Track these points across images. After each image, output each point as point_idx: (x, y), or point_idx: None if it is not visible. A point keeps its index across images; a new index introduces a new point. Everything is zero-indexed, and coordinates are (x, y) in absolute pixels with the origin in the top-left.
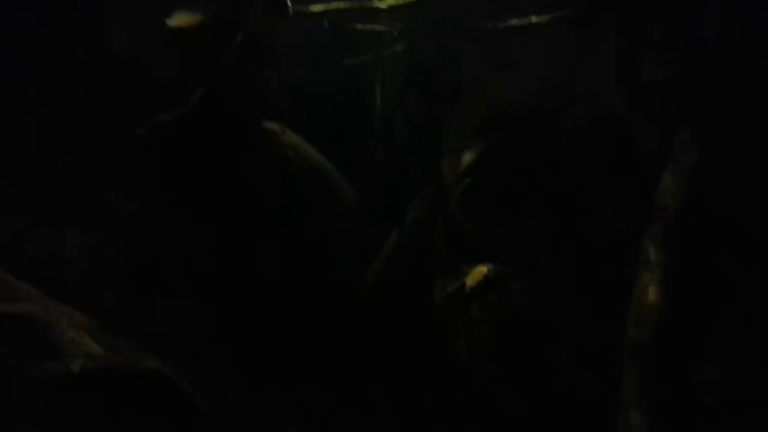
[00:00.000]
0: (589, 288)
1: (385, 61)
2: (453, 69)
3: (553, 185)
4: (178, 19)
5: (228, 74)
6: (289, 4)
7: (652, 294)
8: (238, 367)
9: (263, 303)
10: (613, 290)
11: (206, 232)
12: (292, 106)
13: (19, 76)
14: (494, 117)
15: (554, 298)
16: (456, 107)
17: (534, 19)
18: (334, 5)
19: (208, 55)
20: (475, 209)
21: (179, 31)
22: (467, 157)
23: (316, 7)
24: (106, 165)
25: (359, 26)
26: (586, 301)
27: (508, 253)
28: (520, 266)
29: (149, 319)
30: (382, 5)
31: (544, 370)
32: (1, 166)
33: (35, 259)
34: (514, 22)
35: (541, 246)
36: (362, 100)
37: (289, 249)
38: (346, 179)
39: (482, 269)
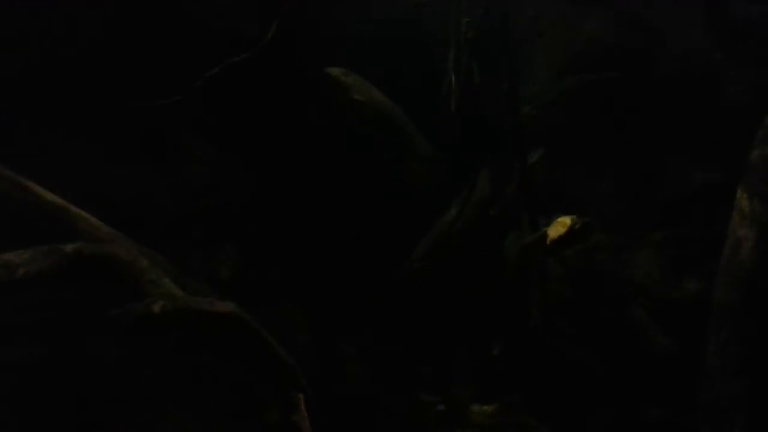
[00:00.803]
0: (673, 242)
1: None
2: (532, 4)
3: (637, 131)
4: None
5: (295, 14)
6: None
7: (745, 250)
8: (305, 317)
9: (334, 251)
10: (699, 245)
11: (274, 178)
12: (361, 47)
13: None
14: (576, 57)
15: (634, 252)
16: (535, 47)
17: None
18: None
19: None
20: (554, 156)
21: None
22: (547, 100)
23: None
24: (177, 107)
25: None
26: (669, 255)
27: (587, 203)
28: (600, 217)
29: (219, 264)
30: None
31: (620, 328)
32: (74, 107)
33: (110, 200)
34: None
35: (623, 196)
36: (436, 42)
37: (359, 200)
38: (417, 127)
39: (565, 220)
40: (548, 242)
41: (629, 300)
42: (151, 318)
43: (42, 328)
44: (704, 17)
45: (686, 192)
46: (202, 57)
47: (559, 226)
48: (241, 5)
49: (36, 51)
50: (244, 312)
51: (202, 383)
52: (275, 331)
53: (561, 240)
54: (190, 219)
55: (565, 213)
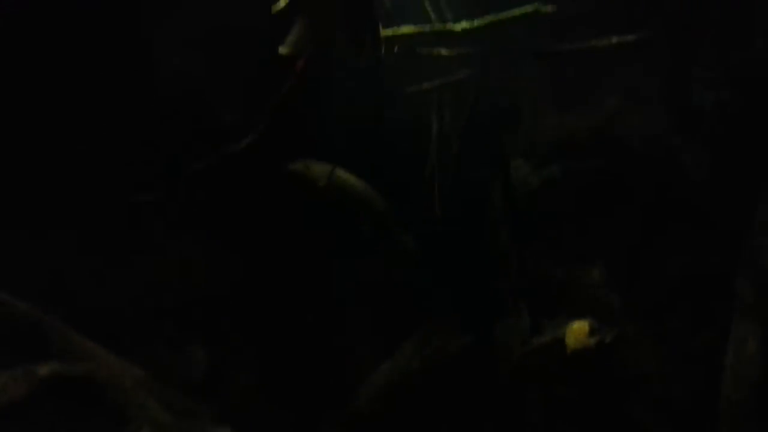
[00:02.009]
0: (672, 333)
1: (450, 88)
2: (519, 94)
3: (621, 217)
4: (290, 46)
5: (286, 105)
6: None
7: (753, 345)
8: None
9: (307, 348)
10: (699, 336)
11: (250, 273)
12: (351, 134)
13: (68, 110)
14: (557, 144)
15: (631, 344)
16: (521, 133)
17: (595, 42)
18: (405, 29)
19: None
20: (542, 241)
21: (286, 60)
22: (534, 185)
23: (387, 31)
24: (155, 200)
25: (426, 51)
26: (669, 348)
27: (578, 291)
28: (592, 307)
29: (197, 365)
30: (457, 28)
31: (622, 426)
32: (44, 201)
33: (82, 296)
34: (578, 45)
35: (614, 285)
36: (426, 128)
37: (337, 294)
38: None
39: (583, 326)
40: (569, 352)
41: (630, 396)
42: None
43: None
44: (664, 103)
45: (678, 279)
46: (184, 147)
47: (579, 333)
48: (225, 94)
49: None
50: None
51: None
52: None
53: (586, 352)
54: (163, 315)
55: (559, 303)
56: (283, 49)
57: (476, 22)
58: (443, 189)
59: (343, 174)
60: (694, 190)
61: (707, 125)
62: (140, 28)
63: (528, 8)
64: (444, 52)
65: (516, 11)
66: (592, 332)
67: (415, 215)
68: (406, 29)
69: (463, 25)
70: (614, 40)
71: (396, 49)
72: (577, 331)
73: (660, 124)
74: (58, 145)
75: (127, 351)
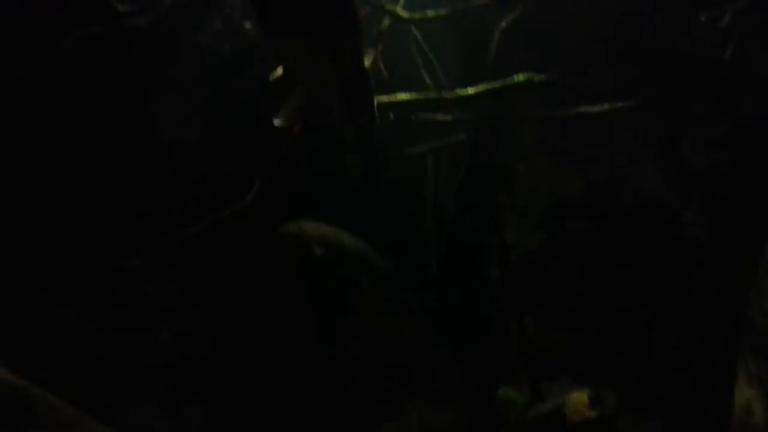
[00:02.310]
0: (677, 402)
1: (445, 151)
2: (513, 160)
3: (620, 280)
4: (286, 118)
5: (283, 167)
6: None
7: (758, 413)
8: None
9: (307, 405)
10: (703, 404)
11: (244, 332)
12: (349, 194)
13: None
14: (554, 206)
15: (637, 415)
16: (518, 193)
17: (586, 108)
18: (400, 96)
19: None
20: (540, 308)
21: (281, 130)
22: (531, 245)
23: (383, 98)
24: (148, 259)
25: (423, 116)
26: (675, 418)
27: (578, 357)
28: (595, 375)
29: (193, 425)
30: (452, 96)
31: None
32: (32, 261)
33: (71, 357)
34: (572, 111)
35: (613, 348)
36: (422, 190)
37: (338, 350)
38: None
39: (582, 397)
40: (569, 426)
41: None
42: None
43: None
44: (658, 164)
45: (674, 346)
46: (176, 206)
47: (578, 404)
48: (218, 152)
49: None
50: None
51: None
52: None
53: (586, 425)
54: (154, 376)
55: (560, 369)
56: (278, 121)
57: (471, 90)
58: (440, 248)
59: (338, 233)
60: (693, 250)
61: (703, 185)
62: (140, 90)
63: (521, 77)
64: (441, 117)
65: (510, 80)
66: (591, 403)
67: (413, 275)
68: (402, 96)
69: (458, 93)
70: (605, 106)
71: (392, 115)
72: (577, 402)
73: (656, 185)
74: (50, 206)
75: (119, 414)
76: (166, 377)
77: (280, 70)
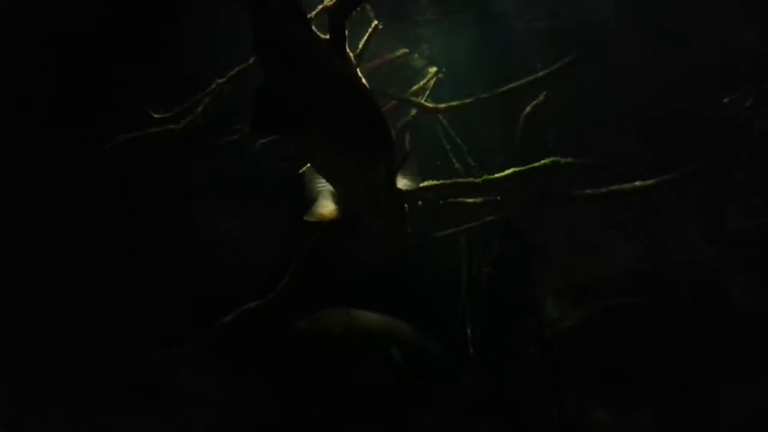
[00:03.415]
0: None
1: (474, 232)
2: (546, 236)
3: (664, 356)
4: (317, 214)
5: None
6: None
7: None
8: None
9: None
10: None
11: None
12: (382, 277)
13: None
14: (592, 281)
15: None
16: (551, 275)
17: (619, 187)
18: (428, 183)
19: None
20: (580, 384)
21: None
22: (568, 323)
23: (412, 186)
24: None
25: (453, 201)
26: None
27: None
28: None
29: None
30: (479, 181)
31: None
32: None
33: None
34: (604, 191)
35: (663, 429)
36: (456, 272)
37: None
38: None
39: None
40: None
41: None
42: None
43: None
44: (703, 232)
45: (730, 422)
46: (208, 291)
47: None
48: (253, 242)
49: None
50: None
51: None
52: None
53: None
54: None
55: None
56: (308, 217)
57: (498, 175)
58: (476, 330)
59: (357, 314)
60: (743, 319)
61: (751, 252)
62: (178, 189)
63: (548, 161)
64: (470, 201)
65: (537, 164)
66: None
67: (450, 357)
68: (430, 183)
69: (486, 177)
70: (637, 184)
71: (420, 203)
72: None
73: (702, 255)
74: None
75: None
76: None
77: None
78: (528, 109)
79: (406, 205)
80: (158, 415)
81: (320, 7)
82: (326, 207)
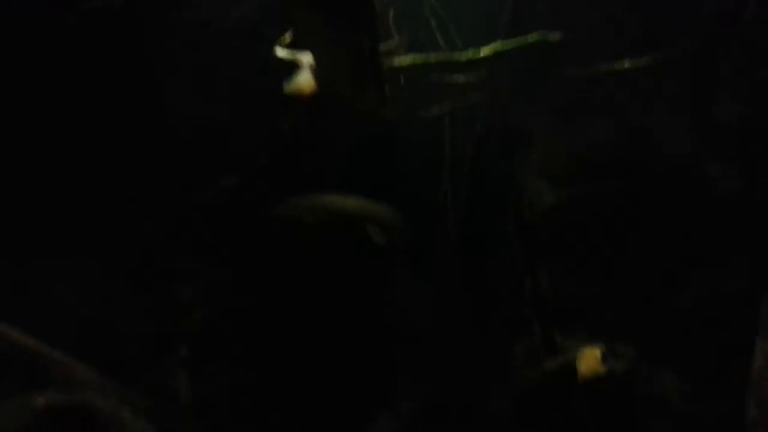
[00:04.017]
0: (691, 357)
1: (460, 112)
2: (530, 118)
3: (642, 237)
4: (296, 87)
5: (295, 133)
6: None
7: None
8: None
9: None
10: (722, 356)
11: (266, 295)
12: (363, 157)
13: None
14: (571, 165)
15: (654, 366)
16: (533, 157)
17: (608, 67)
18: (411, 58)
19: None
20: (557, 265)
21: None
22: (546, 208)
23: (393, 61)
24: (169, 228)
25: (437, 78)
26: (693, 369)
27: (595, 313)
28: (611, 329)
29: (209, 388)
30: (462, 58)
31: None
32: (55, 226)
33: (90, 319)
34: (592, 69)
35: (632, 304)
36: (439, 152)
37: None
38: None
39: (594, 351)
40: (580, 380)
41: (653, 419)
42: None
43: None
44: (690, 118)
45: (700, 300)
46: (193, 172)
47: (590, 359)
48: (234, 122)
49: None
50: None
51: None
52: None
53: (597, 380)
54: (175, 338)
55: (574, 324)
56: (287, 89)
57: (482, 51)
58: (457, 210)
59: (331, 200)
60: (722, 207)
61: (734, 139)
62: (152, 63)
63: (534, 36)
64: (455, 79)
65: (522, 39)
66: (604, 358)
67: (430, 236)
68: (412, 58)
69: (469, 54)
70: (626, 64)
71: (402, 79)
72: (589, 357)
73: (684, 140)
74: (65, 174)
75: (140, 376)
76: (188, 339)
77: (287, 38)
78: None
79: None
80: (140, 292)
81: None
82: (305, 80)
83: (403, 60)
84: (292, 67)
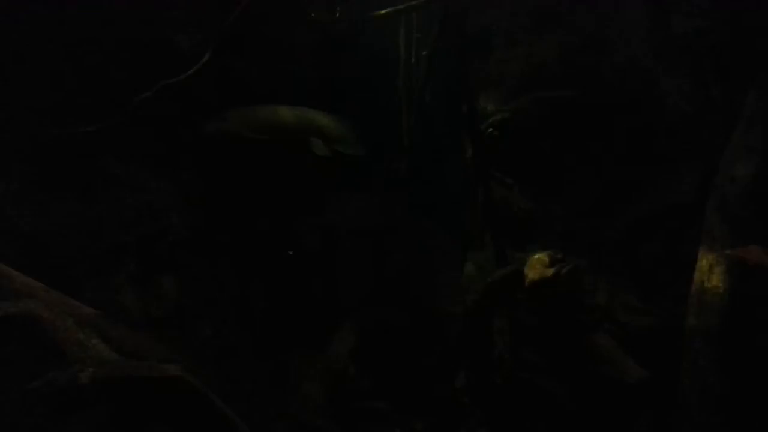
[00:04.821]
0: (638, 265)
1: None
2: (484, 27)
3: (593, 149)
4: None
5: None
6: None
7: (717, 276)
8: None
9: (268, 278)
10: (666, 268)
11: (215, 205)
12: (318, 58)
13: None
14: (528, 74)
15: (599, 276)
16: (486, 63)
17: None
18: None
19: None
20: (512, 174)
21: None
22: (503, 115)
23: None
24: (109, 134)
25: None
26: (635, 279)
27: (546, 223)
28: (560, 239)
29: (156, 298)
30: None
31: (588, 357)
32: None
33: (33, 233)
34: None
35: (582, 216)
36: (392, 54)
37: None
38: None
39: (543, 258)
40: (527, 284)
41: (596, 327)
42: (79, 389)
43: None
44: (646, 31)
45: (647, 212)
46: (133, 71)
47: (538, 264)
48: (174, 15)
49: None
50: (189, 374)
51: None
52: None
53: (543, 283)
54: (122, 251)
55: (529, 237)
56: None
57: None
58: (410, 119)
59: (274, 111)
60: (674, 119)
61: (688, 53)
62: None
63: None
64: None
65: None
66: (552, 263)
67: (384, 146)
68: None
69: None
70: None
71: None
72: (537, 262)
73: (639, 52)
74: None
75: (86, 288)
76: (135, 252)
77: None
78: None
79: None
80: (84, 201)
81: None
82: None
83: None
84: None
